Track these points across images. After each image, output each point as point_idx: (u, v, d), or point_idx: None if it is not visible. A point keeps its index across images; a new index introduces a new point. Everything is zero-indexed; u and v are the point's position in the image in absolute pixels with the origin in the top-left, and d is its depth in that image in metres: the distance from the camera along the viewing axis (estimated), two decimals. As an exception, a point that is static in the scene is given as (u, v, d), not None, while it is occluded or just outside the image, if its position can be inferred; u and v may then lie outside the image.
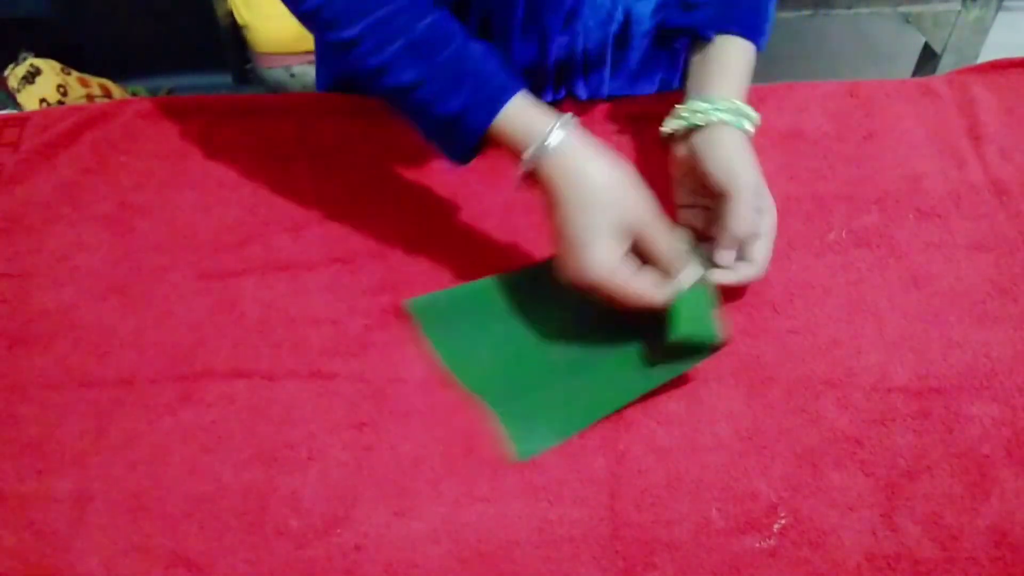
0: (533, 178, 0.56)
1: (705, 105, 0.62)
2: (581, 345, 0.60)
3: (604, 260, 0.54)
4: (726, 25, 0.65)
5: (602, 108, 0.77)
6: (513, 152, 0.56)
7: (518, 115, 0.56)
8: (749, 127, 0.61)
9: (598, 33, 0.72)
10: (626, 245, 0.55)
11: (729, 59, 0.64)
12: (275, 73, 1.61)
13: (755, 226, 0.60)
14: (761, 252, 0.60)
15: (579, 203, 0.54)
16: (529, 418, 0.57)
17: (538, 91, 0.76)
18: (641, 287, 0.55)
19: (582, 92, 0.76)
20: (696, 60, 0.66)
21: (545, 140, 0.54)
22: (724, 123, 0.61)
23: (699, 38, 0.66)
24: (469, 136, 0.57)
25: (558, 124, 0.55)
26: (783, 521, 0.52)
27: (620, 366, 0.59)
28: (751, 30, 0.65)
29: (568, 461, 0.55)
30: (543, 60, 0.72)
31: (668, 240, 0.56)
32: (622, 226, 0.54)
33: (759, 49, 0.66)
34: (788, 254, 0.65)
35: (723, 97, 0.62)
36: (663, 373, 0.57)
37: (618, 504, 0.53)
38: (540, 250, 0.66)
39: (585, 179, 0.54)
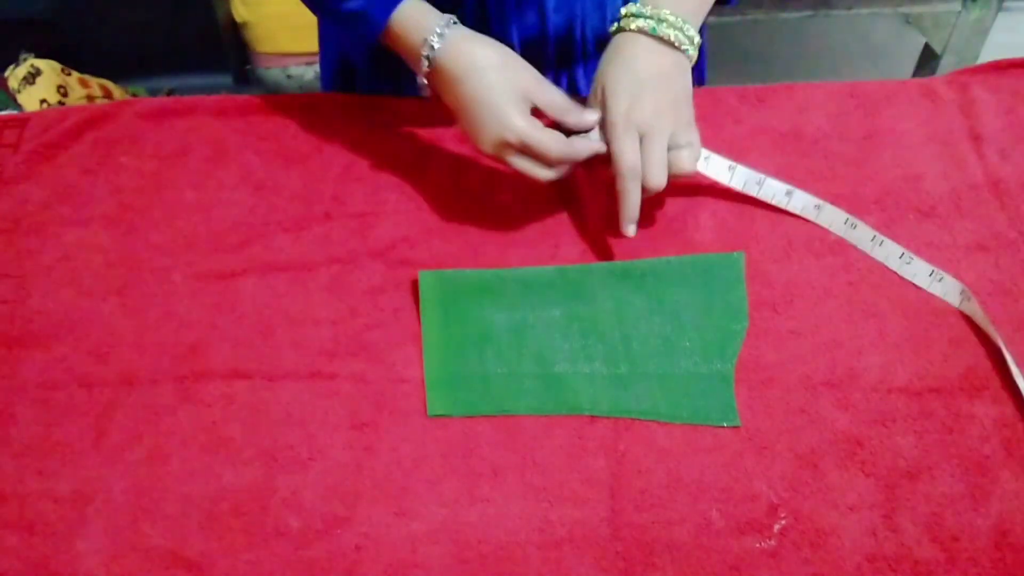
0: (434, 70, 0.62)
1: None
2: (558, 348, 0.60)
3: (518, 120, 0.60)
4: None
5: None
6: (410, 48, 0.63)
7: (412, 15, 0.62)
8: (661, 30, 0.61)
9: (595, 15, 0.72)
10: (527, 109, 0.61)
11: None
12: (272, 73, 1.61)
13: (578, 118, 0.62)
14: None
15: (482, 79, 0.60)
16: (455, 383, 0.59)
17: None
18: (549, 136, 0.60)
19: (583, 83, 0.76)
20: None
21: (439, 32, 0.61)
22: (623, 29, 0.62)
23: None
24: (369, 32, 0.63)
25: (446, 22, 0.61)
26: (783, 522, 0.52)
27: (589, 380, 0.59)
28: None
29: (568, 462, 0.55)
30: (543, 36, 0.72)
31: (560, 96, 0.62)
32: (520, 92, 0.60)
33: None
34: (788, 254, 0.65)
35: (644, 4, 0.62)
36: (634, 405, 0.57)
37: (618, 505, 0.53)
38: (540, 251, 0.66)
39: (480, 59, 0.61)
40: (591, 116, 0.62)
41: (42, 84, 1.34)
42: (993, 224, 0.67)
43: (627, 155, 0.60)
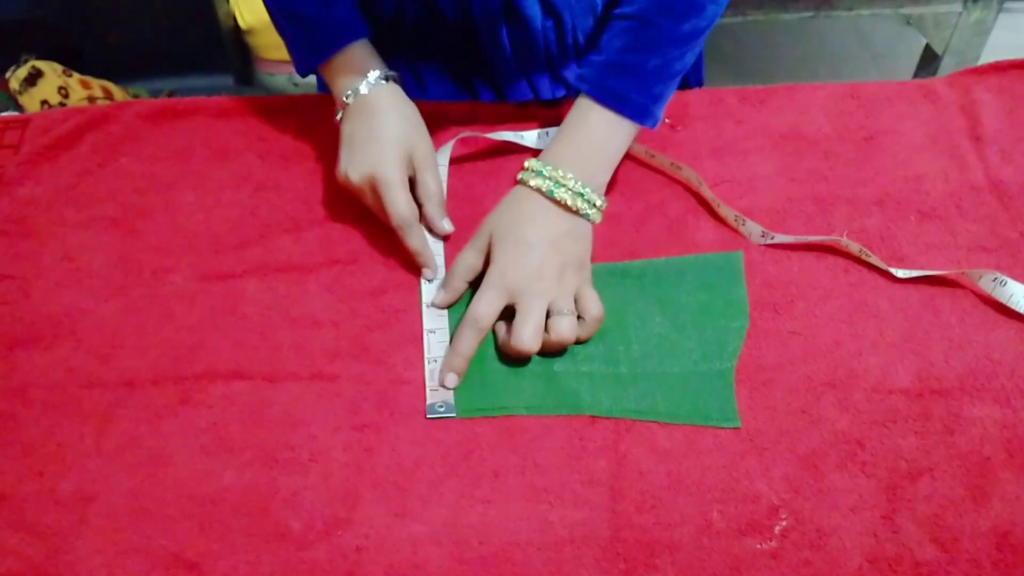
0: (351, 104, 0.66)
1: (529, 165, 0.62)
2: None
3: (391, 165, 0.63)
4: (598, 93, 0.61)
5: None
6: (335, 89, 0.67)
7: (343, 65, 0.66)
8: (552, 190, 0.59)
9: (586, 20, 0.72)
10: (406, 166, 0.64)
11: (581, 131, 0.61)
12: (277, 80, 1.61)
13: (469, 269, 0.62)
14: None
15: (386, 119, 0.65)
16: (476, 381, 0.59)
17: (536, 82, 0.76)
18: (402, 201, 0.63)
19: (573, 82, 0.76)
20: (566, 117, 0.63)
21: (359, 87, 0.65)
22: (523, 183, 0.61)
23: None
24: (302, 64, 0.68)
25: (372, 79, 0.65)
26: (784, 523, 0.52)
27: (589, 380, 0.59)
28: (628, 107, 0.61)
29: (569, 463, 0.55)
30: (531, 39, 0.72)
31: (437, 184, 0.66)
32: (408, 149, 0.64)
33: (649, 126, 0.62)
34: (789, 255, 0.65)
35: (549, 162, 0.60)
36: (639, 406, 0.57)
37: (619, 506, 0.53)
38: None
39: (382, 114, 0.65)
40: (445, 225, 0.66)
41: (43, 85, 1.34)
42: (994, 225, 0.67)
43: (478, 306, 0.58)
